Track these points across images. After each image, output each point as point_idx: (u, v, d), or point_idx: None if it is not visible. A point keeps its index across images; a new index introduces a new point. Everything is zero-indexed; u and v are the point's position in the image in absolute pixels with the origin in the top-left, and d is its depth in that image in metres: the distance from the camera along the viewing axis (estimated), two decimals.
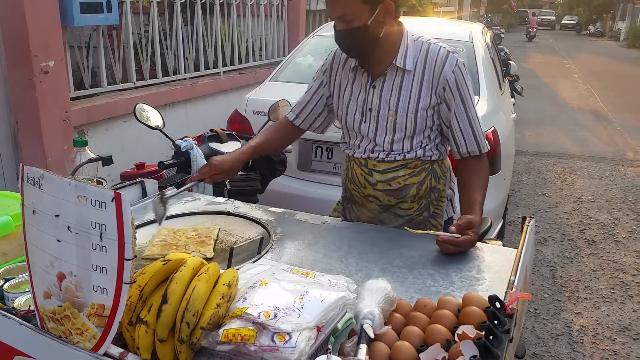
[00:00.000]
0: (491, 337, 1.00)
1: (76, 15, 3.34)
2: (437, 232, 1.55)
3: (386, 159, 1.77)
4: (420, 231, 1.56)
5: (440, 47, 1.71)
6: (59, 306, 0.93)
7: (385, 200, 1.81)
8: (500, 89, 4.03)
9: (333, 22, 1.68)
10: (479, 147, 1.74)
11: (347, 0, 1.57)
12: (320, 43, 4.08)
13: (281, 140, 2.03)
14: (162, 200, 1.66)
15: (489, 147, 1.77)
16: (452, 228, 1.53)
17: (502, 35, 19.29)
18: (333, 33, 1.70)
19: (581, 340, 3.01)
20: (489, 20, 31.48)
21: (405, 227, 1.60)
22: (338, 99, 1.86)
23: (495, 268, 1.49)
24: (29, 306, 1.07)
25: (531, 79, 13.04)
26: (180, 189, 1.78)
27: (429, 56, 1.70)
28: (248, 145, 1.90)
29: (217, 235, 1.60)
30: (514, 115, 4.37)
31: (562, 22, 46.77)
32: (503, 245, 1.84)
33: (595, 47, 27.38)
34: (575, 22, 44.67)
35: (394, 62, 1.70)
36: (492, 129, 3.00)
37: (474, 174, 1.75)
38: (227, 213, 1.81)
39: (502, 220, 3.58)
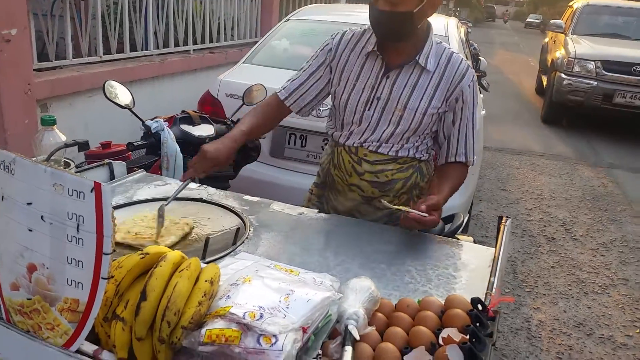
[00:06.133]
0: (474, 341, 0.99)
1: None
2: (409, 209, 1.55)
3: (377, 151, 1.77)
4: (394, 206, 1.60)
5: (462, 59, 1.74)
6: (28, 299, 0.87)
7: (369, 191, 1.80)
8: None
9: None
10: (466, 158, 1.79)
11: None
12: (296, 27, 4.00)
13: (270, 122, 1.90)
14: (160, 214, 1.54)
15: (474, 162, 1.83)
16: (423, 207, 1.54)
17: (469, 30, 19.37)
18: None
19: (539, 335, 3.08)
20: (456, 14, 31.66)
21: (381, 201, 1.67)
22: (340, 81, 1.78)
23: (471, 266, 1.50)
24: None
25: (496, 76, 13.21)
26: (174, 193, 1.64)
27: (451, 64, 1.72)
28: (239, 130, 1.77)
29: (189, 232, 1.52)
30: (483, 112, 4.41)
31: (527, 20, 47.99)
32: (474, 242, 1.86)
33: None
34: (539, 20, 45.62)
35: (417, 58, 1.69)
36: None
37: (452, 174, 1.80)
38: (201, 200, 1.75)
39: (468, 215, 3.62)
